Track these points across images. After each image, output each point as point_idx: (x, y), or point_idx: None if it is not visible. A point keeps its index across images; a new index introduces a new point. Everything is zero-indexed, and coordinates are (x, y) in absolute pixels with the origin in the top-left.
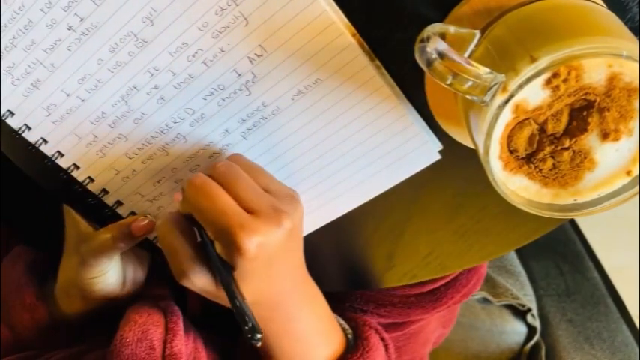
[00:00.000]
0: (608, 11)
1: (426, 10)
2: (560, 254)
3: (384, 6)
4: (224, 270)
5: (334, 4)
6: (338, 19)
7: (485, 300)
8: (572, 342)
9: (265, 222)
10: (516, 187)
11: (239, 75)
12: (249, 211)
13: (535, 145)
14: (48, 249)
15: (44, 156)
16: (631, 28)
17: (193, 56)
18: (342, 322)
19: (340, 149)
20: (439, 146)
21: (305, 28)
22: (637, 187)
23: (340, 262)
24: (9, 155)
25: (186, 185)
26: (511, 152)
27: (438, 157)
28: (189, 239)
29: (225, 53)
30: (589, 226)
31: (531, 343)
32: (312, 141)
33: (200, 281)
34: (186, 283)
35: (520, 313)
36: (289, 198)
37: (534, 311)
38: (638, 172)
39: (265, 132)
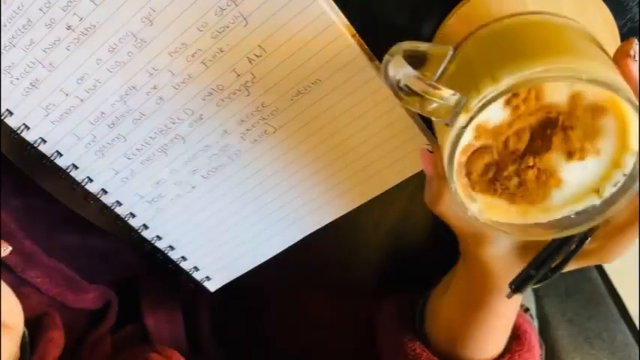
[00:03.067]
0: (582, 27)
1: (427, 10)
2: None
3: (383, 6)
4: None
5: (334, 4)
6: (337, 19)
7: None
8: (571, 342)
9: None
10: (484, 205)
11: (238, 75)
12: None
13: (490, 174)
14: None
15: (43, 155)
16: (631, 28)
17: (192, 56)
18: None
19: (340, 149)
20: None
21: (304, 28)
22: (609, 210)
23: (340, 262)
24: (7, 155)
25: None
26: (467, 175)
27: None
28: None
29: (225, 53)
30: None
31: None
32: (311, 142)
33: None
34: None
35: None
36: None
37: (533, 311)
38: (607, 193)
39: (264, 133)
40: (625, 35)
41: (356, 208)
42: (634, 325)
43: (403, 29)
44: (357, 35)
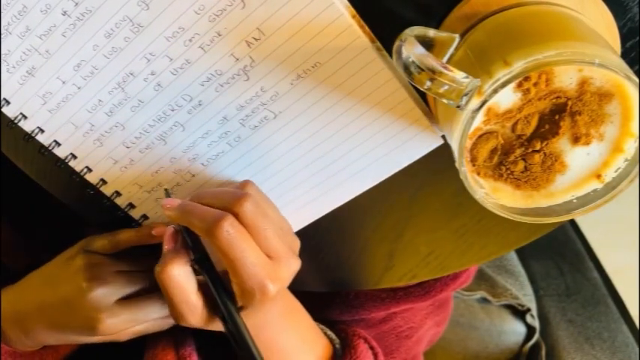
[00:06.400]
0: (586, 19)
1: (428, 10)
2: (560, 254)
3: (385, 5)
4: (233, 308)
5: None
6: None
7: (484, 300)
8: (572, 342)
9: (284, 267)
10: (490, 189)
11: (237, 60)
12: (269, 254)
13: (496, 159)
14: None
15: (41, 145)
16: (631, 28)
17: (190, 41)
18: (330, 332)
19: (342, 135)
20: (442, 131)
21: (303, 10)
22: (610, 193)
23: (340, 262)
24: (4, 150)
25: (217, 230)
26: (471, 160)
27: (441, 141)
28: (190, 284)
29: (223, 37)
30: (589, 226)
31: (530, 343)
32: (312, 127)
33: (199, 321)
34: (183, 324)
35: (519, 313)
36: (292, 232)
37: (534, 311)
38: (609, 178)
39: (264, 119)
40: (625, 35)
41: (356, 208)
42: (634, 325)
43: (408, 23)
44: (358, 16)
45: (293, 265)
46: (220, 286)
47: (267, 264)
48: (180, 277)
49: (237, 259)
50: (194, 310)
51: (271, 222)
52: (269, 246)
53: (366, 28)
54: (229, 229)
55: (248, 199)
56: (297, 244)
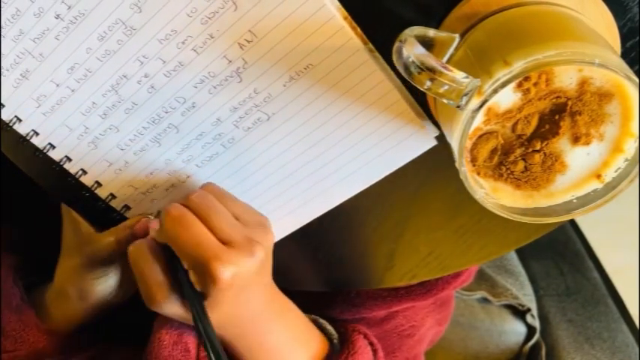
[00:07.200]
0: (586, 19)
1: (428, 10)
2: (560, 254)
3: (384, 5)
4: (196, 298)
5: None
6: (329, 1)
7: (484, 300)
8: (572, 342)
9: (239, 252)
10: (490, 189)
11: (230, 62)
12: (223, 241)
13: (496, 159)
14: (42, 246)
15: (36, 148)
16: (631, 28)
17: (183, 43)
18: (329, 327)
19: (335, 136)
20: (435, 132)
21: (295, 11)
22: (610, 193)
23: (341, 262)
24: (4, 150)
25: (164, 215)
26: (471, 160)
27: (435, 142)
28: (160, 266)
29: (215, 39)
30: (589, 226)
31: (531, 343)
32: (306, 128)
33: (171, 308)
34: (156, 309)
35: (519, 313)
36: (261, 226)
37: (534, 311)
38: (609, 178)
39: (258, 120)
40: (625, 35)
41: (356, 208)
42: (634, 325)
43: (408, 23)
44: (350, 18)
45: (257, 253)
46: (184, 272)
47: (216, 246)
48: (150, 254)
49: (182, 240)
50: (162, 287)
51: (222, 211)
52: (221, 230)
53: (358, 29)
54: (173, 213)
55: (195, 192)
56: (264, 237)
